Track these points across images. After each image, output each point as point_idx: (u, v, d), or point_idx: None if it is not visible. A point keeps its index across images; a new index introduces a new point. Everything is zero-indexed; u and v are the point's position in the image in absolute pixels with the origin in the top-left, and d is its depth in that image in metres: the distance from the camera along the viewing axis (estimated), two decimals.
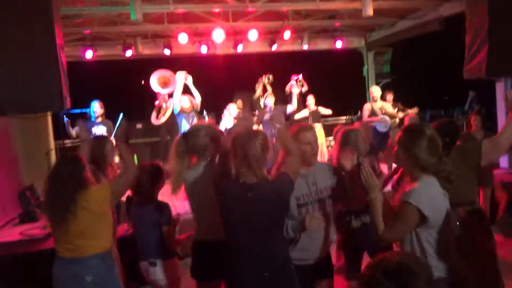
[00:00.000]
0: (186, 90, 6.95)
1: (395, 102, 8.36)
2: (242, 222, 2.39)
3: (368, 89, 9.94)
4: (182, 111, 6.76)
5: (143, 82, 8.61)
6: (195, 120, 6.73)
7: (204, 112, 7.45)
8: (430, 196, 2.22)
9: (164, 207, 3.32)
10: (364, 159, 2.73)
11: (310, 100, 8.32)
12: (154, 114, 8.29)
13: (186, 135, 2.92)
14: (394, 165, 4.62)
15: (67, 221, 2.71)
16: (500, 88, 6.65)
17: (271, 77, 8.95)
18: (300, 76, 8.74)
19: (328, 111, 8.55)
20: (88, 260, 2.75)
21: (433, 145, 2.27)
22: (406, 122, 5.67)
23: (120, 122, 6.87)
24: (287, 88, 8.65)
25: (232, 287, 2.48)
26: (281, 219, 2.48)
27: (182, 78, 6.57)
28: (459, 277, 2.26)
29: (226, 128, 7.21)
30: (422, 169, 2.27)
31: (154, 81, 7.91)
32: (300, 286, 2.75)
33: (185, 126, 6.75)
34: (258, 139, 2.39)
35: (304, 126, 2.93)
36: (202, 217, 2.89)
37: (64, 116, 6.55)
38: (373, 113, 7.72)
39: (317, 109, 8.34)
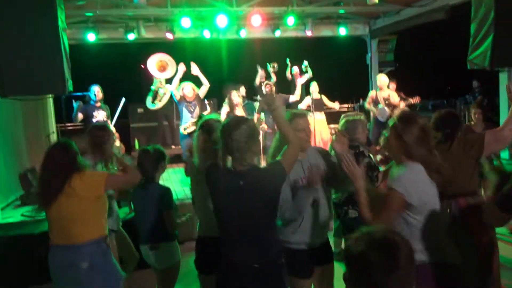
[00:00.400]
0: (190, 79, 6.95)
1: (398, 91, 8.34)
2: (233, 210, 2.35)
3: (371, 77, 9.93)
4: (183, 99, 6.75)
5: (142, 66, 8.59)
6: (197, 109, 6.73)
7: (205, 101, 7.42)
8: (416, 183, 2.23)
9: (165, 191, 3.34)
10: (346, 151, 2.72)
11: (314, 87, 8.28)
12: (149, 98, 8.27)
13: (208, 130, 2.85)
14: None
15: (56, 207, 2.68)
16: (503, 79, 6.62)
17: (276, 65, 8.90)
18: (306, 63, 8.69)
19: (333, 105, 8.45)
20: (83, 247, 2.70)
21: (425, 136, 2.27)
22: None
23: (121, 107, 6.85)
24: (288, 74, 8.62)
25: (221, 275, 2.44)
26: (273, 209, 2.42)
27: (182, 68, 6.64)
28: (447, 263, 2.28)
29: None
30: (410, 157, 2.28)
31: (152, 65, 7.88)
32: (300, 269, 2.81)
33: (185, 115, 6.75)
34: (242, 128, 2.30)
35: (298, 113, 2.96)
36: (204, 212, 2.92)
37: (75, 100, 6.52)
38: (376, 101, 7.69)
39: (320, 97, 8.29)
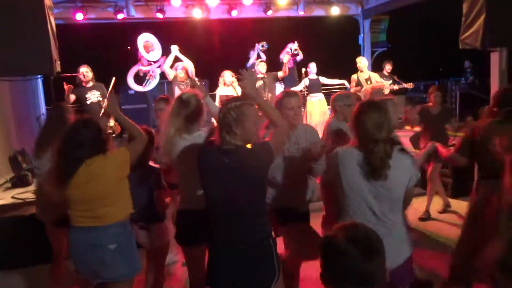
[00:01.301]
0: (177, 59, 6.91)
1: (391, 74, 8.29)
2: (219, 189, 2.34)
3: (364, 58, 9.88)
4: (175, 79, 6.73)
5: (129, 47, 8.47)
6: (189, 88, 6.70)
7: (197, 80, 7.36)
8: (338, 161, 2.35)
9: (155, 171, 3.34)
10: None
11: (312, 68, 8.20)
12: (131, 74, 8.15)
13: (182, 100, 2.96)
14: None
15: (81, 189, 2.62)
16: (494, 59, 6.61)
17: (265, 44, 8.82)
18: (296, 45, 8.61)
19: (334, 81, 8.37)
20: (110, 228, 2.66)
21: (379, 125, 2.26)
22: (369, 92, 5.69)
23: (112, 86, 6.77)
24: (282, 56, 8.54)
25: (209, 255, 2.46)
26: (260, 189, 2.40)
27: (176, 50, 6.61)
28: None
29: (220, 96, 7.17)
30: (361, 141, 2.32)
31: (141, 44, 7.78)
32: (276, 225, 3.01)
33: (177, 93, 6.73)
34: (232, 106, 2.32)
35: (289, 92, 3.14)
36: (184, 185, 2.97)
37: (64, 83, 6.41)
38: (358, 83, 7.72)
39: (317, 78, 8.22)
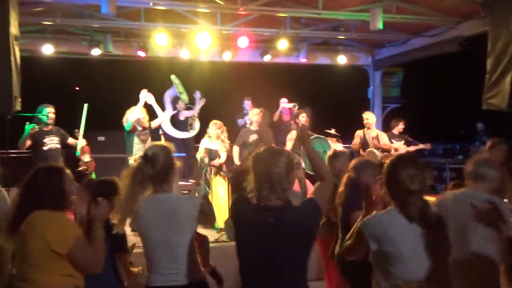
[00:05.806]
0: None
1: (403, 133, 8.37)
2: (260, 250, 2.38)
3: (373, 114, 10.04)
4: (135, 128, 6.77)
5: (77, 88, 8.63)
6: (149, 140, 6.73)
7: (160, 131, 7.46)
8: (383, 229, 2.45)
9: (120, 233, 3.15)
10: None
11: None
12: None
13: (150, 159, 2.80)
14: None
15: (17, 243, 2.68)
16: None
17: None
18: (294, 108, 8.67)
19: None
20: None
21: (413, 177, 2.45)
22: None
23: (86, 114, 6.82)
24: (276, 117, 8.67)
25: None
26: (305, 251, 2.45)
27: (143, 97, 6.74)
28: None
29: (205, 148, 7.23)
30: (394, 195, 2.50)
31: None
32: None
33: (137, 144, 6.73)
34: (283, 158, 2.41)
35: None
36: (154, 257, 2.78)
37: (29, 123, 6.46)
38: (364, 141, 7.76)
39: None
